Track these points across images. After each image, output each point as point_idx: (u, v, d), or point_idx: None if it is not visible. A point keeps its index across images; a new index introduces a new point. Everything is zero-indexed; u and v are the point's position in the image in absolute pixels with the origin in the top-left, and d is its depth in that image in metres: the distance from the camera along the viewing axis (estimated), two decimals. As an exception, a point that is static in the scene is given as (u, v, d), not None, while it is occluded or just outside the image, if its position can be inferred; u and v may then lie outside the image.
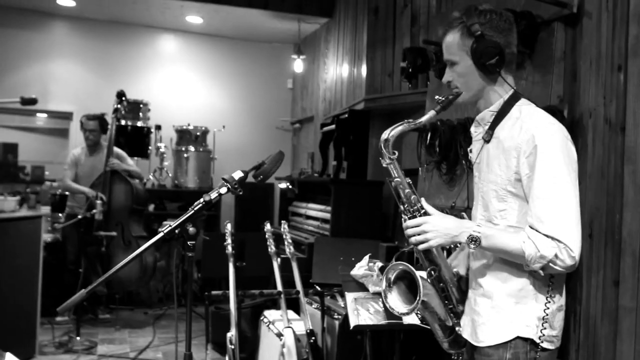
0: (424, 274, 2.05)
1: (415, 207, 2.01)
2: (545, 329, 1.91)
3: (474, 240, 1.88)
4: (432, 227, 1.94)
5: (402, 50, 4.83)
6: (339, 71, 6.55)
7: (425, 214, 2.00)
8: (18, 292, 4.50)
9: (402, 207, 2.05)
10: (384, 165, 2.08)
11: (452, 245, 2.60)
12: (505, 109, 1.99)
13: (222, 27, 7.68)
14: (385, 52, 5.42)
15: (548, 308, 1.92)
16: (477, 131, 2.11)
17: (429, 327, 2.20)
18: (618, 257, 2.38)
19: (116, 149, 6.00)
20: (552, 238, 1.80)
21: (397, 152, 2.06)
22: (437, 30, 3.97)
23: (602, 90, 2.50)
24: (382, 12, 5.45)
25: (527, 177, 1.87)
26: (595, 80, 2.55)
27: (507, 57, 1.96)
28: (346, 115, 5.41)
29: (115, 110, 5.90)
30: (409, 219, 2.01)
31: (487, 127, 2.04)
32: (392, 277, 2.06)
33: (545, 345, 1.92)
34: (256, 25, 7.47)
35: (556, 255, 1.79)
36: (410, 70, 4.61)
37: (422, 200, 2.02)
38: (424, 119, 2.07)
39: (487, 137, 2.03)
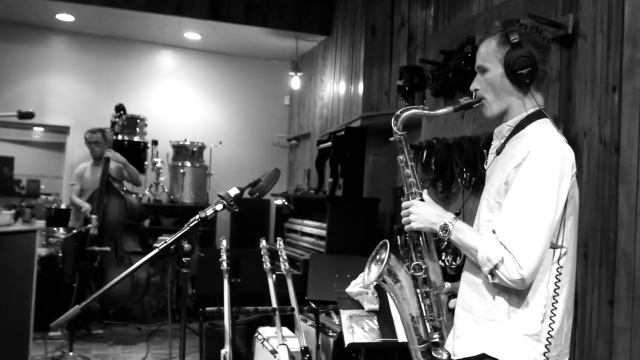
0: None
1: (412, 191, 2.08)
2: (548, 351, 1.83)
3: (445, 229, 1.92)
4: (417, 210, 2.01)
5: (398, 69, 4.87)
6: (335, 88, 6.58)
7: (422, 199, 2.06)
8: (11, 306, 4.47)
9: (404, 188, 2.13)
10: (391, 139, 2.15)
11: (447, 262, 2.61)
12: (522, 125, 1.95)
13: (220, 43, 7.72)
14: (382, 70, 5.46)
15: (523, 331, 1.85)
16: (494, 145, 2.09)
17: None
18: (613, 277, 2.38)
19: (119, 156, 6.02)
20: (503, 246, 1.77)
21: (406, 131, 2.13)
22: (434, 49, 4.00)
23: (597, 110, 2.52)
24: (379, 31, 5.50)
25: (510, 185, 1.86)
26: (590, 100, 2.57)
27: (540, 73, 1.93)
28: (343, 133, 5.43)
29: (113, 124, 5.92)
30: (405, 200, 2.09)
31: (502, 140, 2.01)
32: (380, 258, 2.14)
33: None
34: (254, 42, 7.51)
35: (502, 261, 1.76)
36: (406, 88, 4.64)
37: (425, 192, 2.09)
38: (439, 111, 2.09)
39: (499, 150, 2.01)
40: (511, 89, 1.95)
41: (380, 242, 2.17)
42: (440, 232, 1.93)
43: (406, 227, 2.04)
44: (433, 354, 2.04)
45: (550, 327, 1.85)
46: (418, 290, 2.07)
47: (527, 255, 1.75)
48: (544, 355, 1.83)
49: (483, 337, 1.90)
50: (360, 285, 3.34)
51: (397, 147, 2.14)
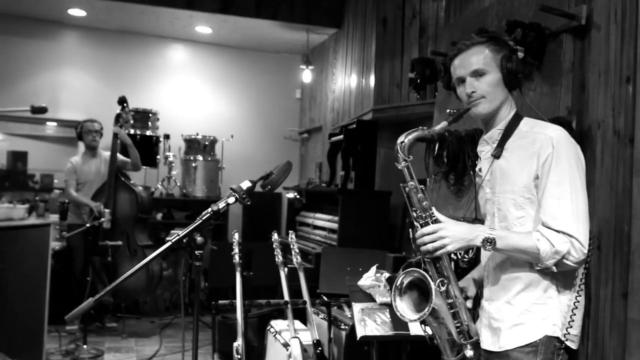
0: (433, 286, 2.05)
1: (427, 214, 2.07)
2: (570, 327, 2.03)
3: (489, 241, 1.97)
4: (449, 232, 1.99)
5: (410, 61, 4.84)
6: (347, 81, 6.56)
7: (437, 221, 2.05)
8: (26, 299, 4.51)
9: (413, 213, 2.09)
10: (399, 167, 2.12)
11: (459, 255, 2.61)
12: (512, 126, 2.13)
13: (230, 37, 7.73)
14: (393, 63, 5.43)
15: (576, 307, 2.04)
16: (484, 150, 2.24)
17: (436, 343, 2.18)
18: (627, 269, 2.37)
19: (125, 135, 6.03)
20: (565, 233, 1.92)
21: (412, 157, 2.13)
22: (445, 41, 3.97)
23: (611, 102, 2.50)
24: (390, 23, 5.47)
25: (544, 177, 1.99)
26: (604, 91, 2.55)
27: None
28: (354, 126, 5.42)
29: (118, 117, 5.90)
30: (421, 225, 2.06)
31: (495, 144, 2.16)
32: (406, 282, 2.08)
33: (569, 344, 2.04)
34: (265, 35, 7.51)
35: (569, 251, 1.91)
36: (418, 81, 4.62)
37: (434, 209, 2.09)
38: (437, 128, 2.16)
39: (498, 154, 2.15)
40: (505, 91, 2.14)
41: (409, 270, 2.09)
42: (487, 246, 1.98)
43: (440, 252, 2.00)
44: (464, 353, 2.12)
45: (583, 296, 2.10)
46: (446, 303, 2.10)
47: (585, 236, 1.95)
48: (580, 321, 2.09)
49: (540, 320, 2.04)
50: (372, 278, 3.35)
51: (403, 175, 2.12)
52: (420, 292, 2.06)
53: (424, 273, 2.02)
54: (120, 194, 5.81)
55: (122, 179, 5.89)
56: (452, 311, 2.09)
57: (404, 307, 2.07)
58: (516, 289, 2.09)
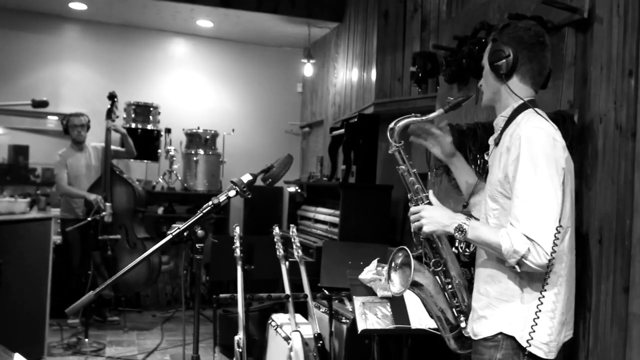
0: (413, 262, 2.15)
1: (419, 196, 2.21)
2: (533, 332, 1.98)
3: (460, 230, 2.03)
4: (427, 214, 2.12)
5: (412, 55, 4.83)
6: (348, 75, 6.55)
7: (429, 203, 2.18)
8: (27, 293, 4.52)
9: (409, 195, 2.24)
10: (390, 151, 2.27)
11: (460, 249, 2.63)
12: (513, 116, 2.13)
13: (232, 31, 7.71)
14: (395, 57, 5.42)
15: (539, 311, 1.99)
16: (493, 136, 2.26)
17: (437, 333, 2.24)
18: (628, 264, 2.36)
19: (119, 126, 6.09)
20: (526, 236, 1.90)
21: (402, 142, 2.23)
22: (447, 34, 3.96)
23: (613, 95, 2.49)
24: (392, 17, 5.46)
25: (513, 178, 1.99)
26: (606, 85, 2.54)
27: (521, 67, 2.11)
28: (355, 120, 5.41)
29: (109, 112, 5.92)
30: (414, 205, 2.21)
31: (498, 132, 2.18)
32: (398, 262, 2.19)
33: (533, 350, 1.99)
34: (266, 29, 7.49)
35: (529, 250, 1.89)
36: (420, 74, 4.60)
37: (430, 192, 2.20)
38: (431, 115, 2.23)
39: (497, 141, 2.18)
40: (494, 81, 2.16)
41: (397, 248, 2.22)
42: (456, 234, 2.04)
43: (418, 231, 2.14)
44: (463, 333, 2.22)
45: (555, 301, 2.03)
46: (440, 283, 2.20)
47: (547, 241, 1.90)
48: (552, 329, 2.01)
49: (499, 317, 2.05)
50: (374, 272, 3.35)
51: (395, 158, 2.26)
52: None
53: (408, 250, 2.15)
54: (117, 187, 5.82)
55: (117, 172, 5.91)
56: (449, 288, 2.21)
57: (396, 282, 2.19)
58: (482, 278, 2.13)
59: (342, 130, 5.59)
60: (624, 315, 2.38)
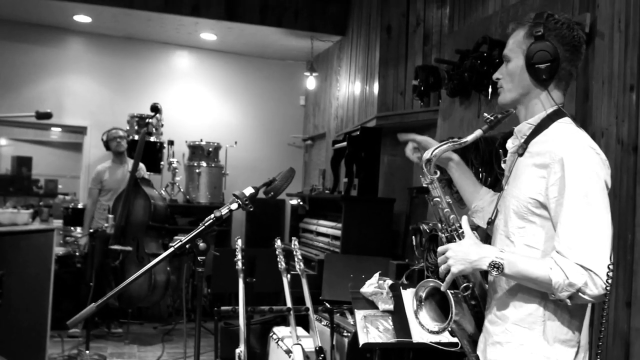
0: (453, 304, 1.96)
1: (453, 227, 1.96)
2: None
3: (496, 266, 1.77)
4: (452, 253, 1.85)
5: (414, 69, 4.86)
6: (351, 88, 6.57)
7: (462, 234, 1.92)
8: (29, 304, 4.52)
9: (440, 225, 2.00)
10: (424, 184, 2.03)
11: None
12: (544, 124, 1.89)
13: (235, 44, 7.75)
14: (397, 70, 5.44)
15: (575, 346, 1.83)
16: (513, 143, 2.02)
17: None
18: (630, 278, 2.36)
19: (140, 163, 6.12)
20: (582, 266, 1.68)
21: (438, 172, 2.01)
22: (449, 48, 3.98)
23: (614, 110, 2.50)
24: (394, 31, 5.48)
25: (556, 200, 1.77)
26: (608, 100, 2.55)
27: (562, 70, 1.87)
28: (358, 133, 5.42)
29: (147, 124, 6.00)
30: (446, 238, 1.97)
31: (522, 140, 1.94)
32: (423, 294, 1.98)
33: None
34: (269, 42, 7.53)
35: (586, 284, 1.67)
36: (422, 88, 4.63)
37: (464, 219, 1.94)
38: (469, 138, 2.00)
39: (521, 151, 1.93)
40: (529, 82, 1.90)
41: (422, 282, 2.00)
42: (492, 271, 1.78)
43: (448, 276, 1.86)
44: None
45: (580, 331, 1.85)
46: (468, 307, 2.01)
47: (604, 270, 1.69)
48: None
49: (519, 345, 1.86)
50: (375, 285, 3.34)
51: (430, 191, 2.02)
52: (440, 298, 1.96)
53: (439, 283, 1.90)
54: (137, 200, 5.83)
55: (142, 185, 5.90)
56: (475, 310, 2.01)
57: (425, 317, 1.98)
58: (506, 305, 1.91)
59: (345, 143, 5.60)
60: (626, 330, 2.37)
